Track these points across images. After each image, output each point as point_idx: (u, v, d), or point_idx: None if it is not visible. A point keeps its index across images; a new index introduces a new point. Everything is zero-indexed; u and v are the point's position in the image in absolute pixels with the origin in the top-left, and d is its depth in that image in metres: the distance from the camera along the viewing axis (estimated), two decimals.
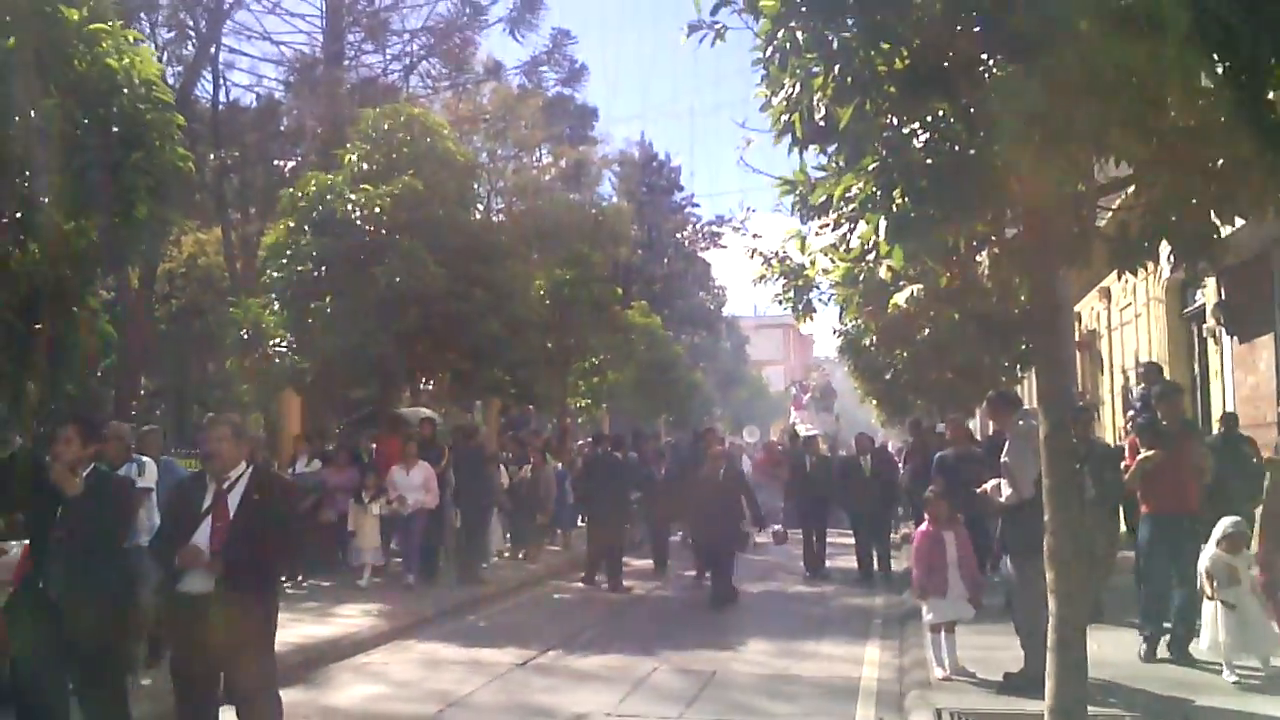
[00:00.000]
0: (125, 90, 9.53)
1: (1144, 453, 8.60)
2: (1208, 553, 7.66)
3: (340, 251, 14.08)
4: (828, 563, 14.97)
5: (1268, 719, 6.59)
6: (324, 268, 14.16)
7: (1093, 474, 9.16)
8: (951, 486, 9.44)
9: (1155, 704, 6.87)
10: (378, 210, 14.09)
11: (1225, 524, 7.68)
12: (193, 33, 21.39)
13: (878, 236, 5.23)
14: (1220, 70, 4.90)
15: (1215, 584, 7.48)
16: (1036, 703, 6.24)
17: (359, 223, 14.20)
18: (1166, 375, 14.21)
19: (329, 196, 14.56)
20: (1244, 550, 7.62)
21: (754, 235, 8.39)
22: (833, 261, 6.83)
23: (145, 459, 8.61)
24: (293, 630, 10.03)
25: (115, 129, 9.41)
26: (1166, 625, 8.29)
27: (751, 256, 8.16)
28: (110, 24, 8.82)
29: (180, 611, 5.38)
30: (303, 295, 14.28)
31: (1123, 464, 9.21)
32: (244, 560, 5.24)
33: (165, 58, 20.05)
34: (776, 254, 7.79)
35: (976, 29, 4.88)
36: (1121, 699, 7.01)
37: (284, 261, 14.81)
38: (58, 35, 8.64)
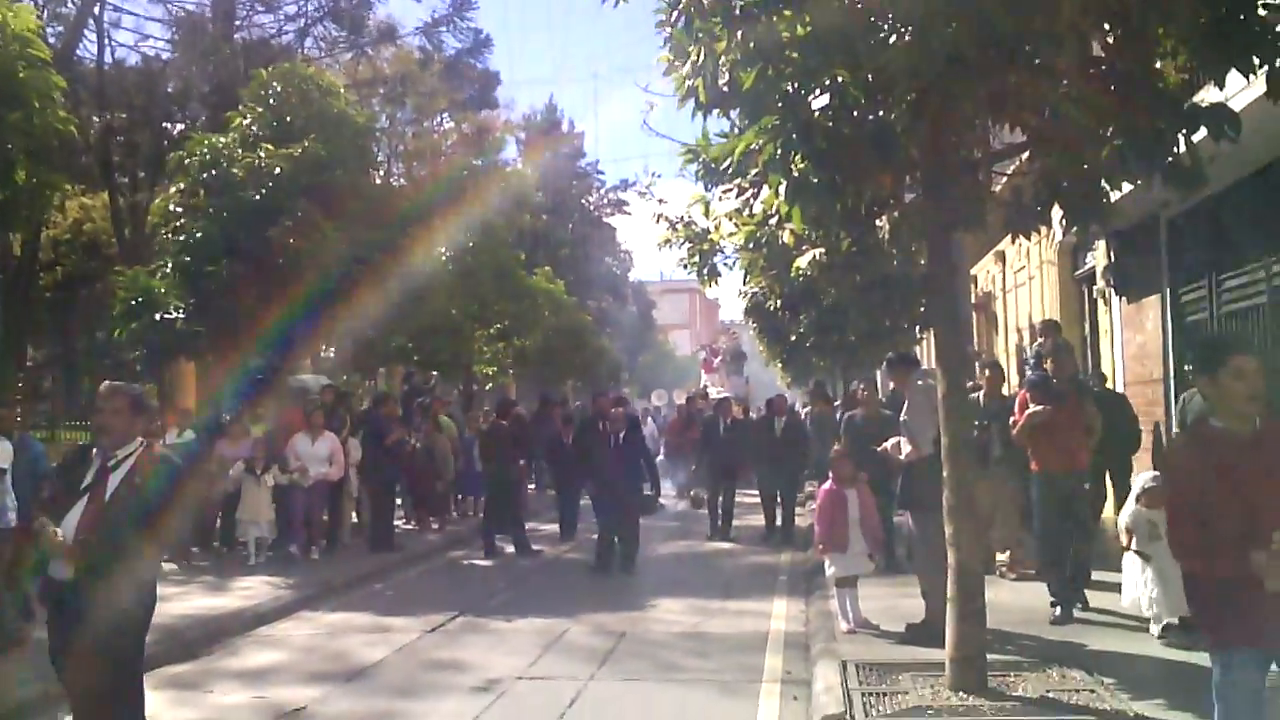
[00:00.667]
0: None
1: (1032, 408, 8.49)
2: (1127, 508, 7.62)
3: (236, 214, 13.68)
4: (735, 521, 15.03)
5: (1158, 659, 6.87)
6: (218, 230, 13.74)
7: (1000, 432, 9.34)
8: (860, 446, 9.56)
9: (1051, 650, 7.14)
10: (277, 172, 13.71)
11: (1144, 478, 7.62)
12: None
13: (779, 199, 5.31)
14: (1110, 40, 5.07)
15: (1135, 539, 7.42)
16: (938, 651, 6.46)
17: (254, 185, 13.79)
18: (1062, 334, 14.72)
19: (221, 160, 14.12)
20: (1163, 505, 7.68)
21: (659, 200, 8.41)
22: (736, 226, 6.90)
23: None
24: (187, 603, 9.85)
25: None
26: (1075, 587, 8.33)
27: (657, 222, 8.18)
28: None
29: (49, 598, 4.91)
30: (198, 259, 13.86)
31: (1012, 419, 9.05)
32: (109, 550, 4.65)
33: (44, 15, 19.14)
34: (681, 219, 7.83)
35: None
36: (1018, 646, 7.27)
37: (177, 225, 14.37)
38: None
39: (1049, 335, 11.71)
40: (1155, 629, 7.34)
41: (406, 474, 15.25)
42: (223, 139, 14.57)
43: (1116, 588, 7.94)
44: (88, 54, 20.94)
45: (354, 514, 14.52)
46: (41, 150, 9.76)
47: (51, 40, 17.93)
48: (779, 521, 14.54)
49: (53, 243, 22.17)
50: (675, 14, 5.31)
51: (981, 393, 10.12)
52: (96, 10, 20.56)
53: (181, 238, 14.21)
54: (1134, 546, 7.44)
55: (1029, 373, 11.91)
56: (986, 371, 10.79)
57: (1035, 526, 8.84)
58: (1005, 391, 10.94)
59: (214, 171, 14.06)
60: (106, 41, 21.26)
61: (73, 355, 25.26)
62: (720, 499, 15.03)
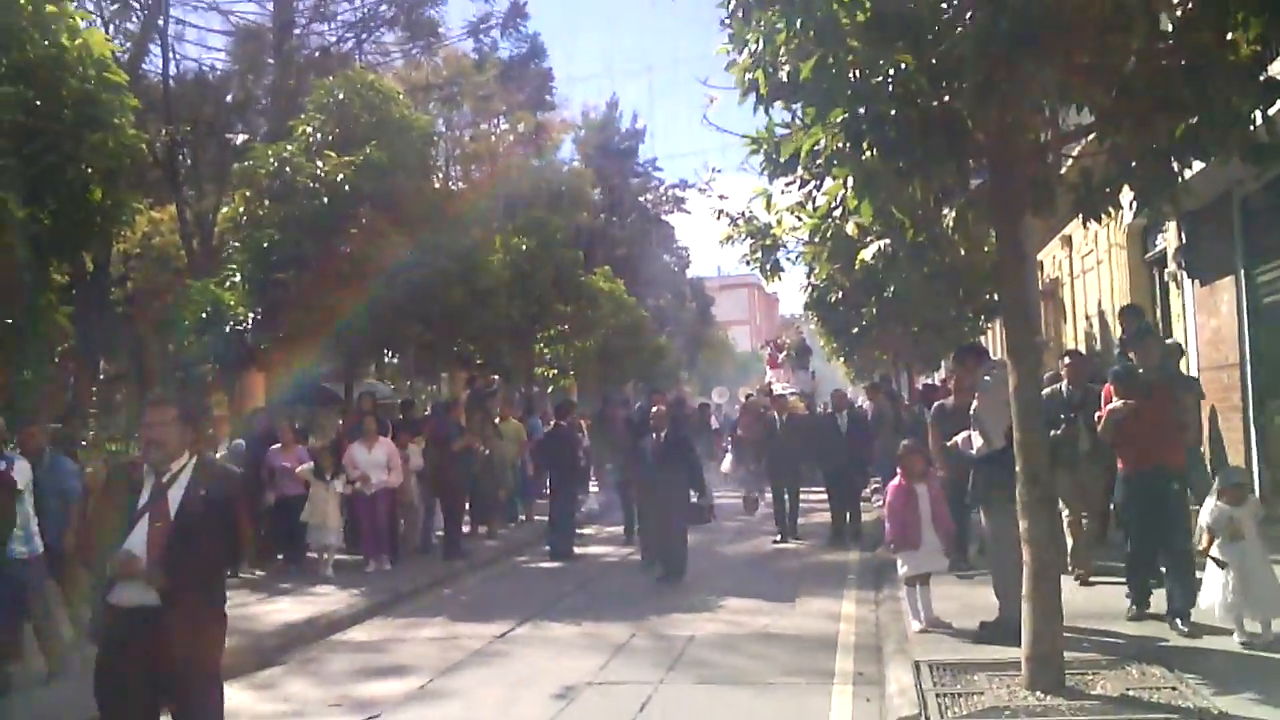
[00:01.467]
0: (78, 72, 9.35)
1: (1115, 403, 7.86)
2: (1207, 507, 7.04)
3: (302, 222, 13.87)
4: (800, 520, 14.67)
5: (1239, 654, 6.63)
6: (285, 239, 13.91)
7: (1087, 424, 8.83)
8: (950, 436, 8.91)
9: (1130, 647, 6.93)
10: (340, 179, 13.86)
11: (1225, 474, 7.25)
12: (138, 5, 20.90)
13: (846, 191, 5.20)
14: (1180, 13, 4.89)
15: (1216, 540, 6.85)
16: (1013, 650, 6.30)
17: (319, 192, 13.95)
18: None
19: (286, 169, 14.30)
20: (1247, 501, 6.96)
21: (720, 196, 8.32)
22: (799, 219, 6.80)
23: (16, 456, 7.91)
24: (262, 611, 9.99)
25: (68, 112, 9.24)
26: (1154, 582, 7.74)
27: (718, 218, 8.10)
28: (60, 4, 8.59)
29: (113, 628, 4.45)
30: (265, 268, 14.08)
31: (1096, 415, 8.44)
32: (189, 569, 4.39)
33: (111, 31, 19.58)
34: (743, 214, 7.74)
35: None
36: (1096, 644, 7.07)
37: (244, 236, 14.60)
38: (9, 20, 8.44)
39: (1131, 321, 10.97)
40: (1239, 638, 6.81)
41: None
42: (288, 148, 14.75)
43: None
44: (152, 67, 21.38)
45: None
46: (116, 169, 9.98)
47: (117, 55, 18.34)
48: (848, 520, 14.18)
49: (123, 256, 22.64)
50: (733, 5, 5.23)
51: (1064, 383, 9.51)
52: (160, 23, 20.97)
53: (248, 248, 14.42)
54: (1213, 551, 6.86)
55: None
56: (1067, 359, 10.05)
57: (1124, 529, 8.17)
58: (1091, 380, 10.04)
59: (279, 180, 14.25)
60: (171, 54, 21.68)
61: (144, 368, 25.77)
62: (786, 499, 14.56)
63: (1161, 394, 7.76)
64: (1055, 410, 8.89)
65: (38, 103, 9.07)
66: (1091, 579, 9.06)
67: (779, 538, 14.22)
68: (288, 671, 8.23)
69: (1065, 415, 9.05)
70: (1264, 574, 6.72)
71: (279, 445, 12.83)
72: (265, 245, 14.09)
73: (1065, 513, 9.29)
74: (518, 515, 16.96)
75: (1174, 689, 5.91)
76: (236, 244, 14.84)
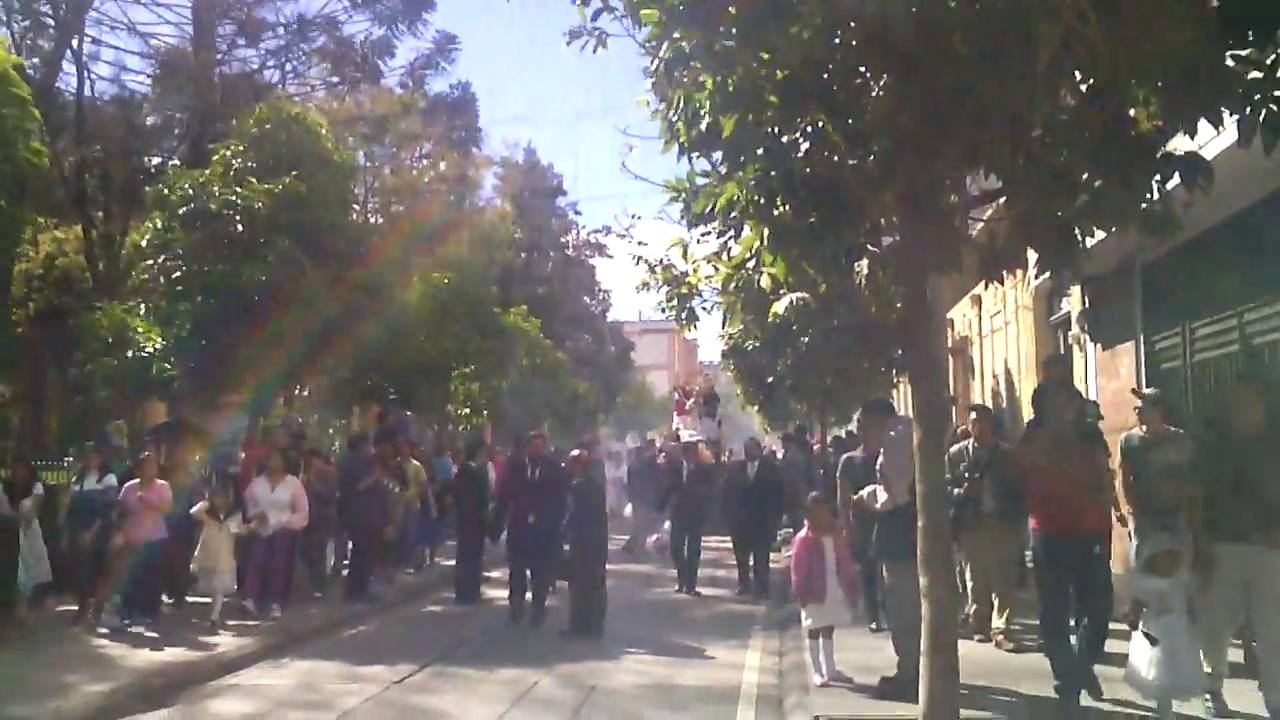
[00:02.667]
0: None
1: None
2: (1136, 579, 6.71)
3: (213, 248, 13.56)
4: (699, 573, 14.17)
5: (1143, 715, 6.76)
6: (195, 265, 13.59)
7: (993, 482, 8.69)
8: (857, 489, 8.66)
9: (1025, 705, 7.02)
10: (257, 207, 13.60)
11: (1152, 542, 6.79)
12: (53, 22, 20.38)
13: (760, 245, 5.26)
14: (1084, 88, 5.06)
15: (1143, 614, 6.50)
16: (911, 706, 6.34)
17: (234, 219, 13.67)
18: (1033, 381, 14.72)
19: (201, 195, 14.00)
20: (1177, 572, 6.49)
21: (639, 243, 8.36)
22: (715, 269, 6.85)
23: None
24: (143, 653, 9.57)
25: None
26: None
27: (636, 264, 8.14)
28: None
29: None
30: (172, 295, 13.74)
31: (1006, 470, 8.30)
32: None
33: (19, 49, 19.06)
34: (660, 261, 7.78)
35: (854, 43, 4.93)
36: (995, 703, 7.15)
37: (152, 262, 14.22)
38: None
39: (1050, 373, 10.45)
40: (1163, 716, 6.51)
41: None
42: (203, 174, 14.45)
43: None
44: (66, 86, 20.81)
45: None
46: (13, 184, 9.68)
47: (30, 73, 17.85)
48: (754, 576, 13.77)
49: (25, 276, 21.90)
50: (655, 61, 5.27)
51: (970, 440, 9.29)
52: (75, 43, 20.47)
53: (157, 274, 14.05)
54: (1141, 625, 6.48)
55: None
56: (973, 415, 9.73)
57: (1038, 595, 7.59)
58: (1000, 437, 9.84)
59: (192, 205, 13.91)
60: (85, 75, 21.15)
61: (41, 391, 24.90)
62: (685, 548, 14.11)
63: (1079, 452, 7.32)
64: (960, 468, 8.94)
65: None
66: (1000, 643, 8.86)
67: (679, 587, 13.97)
68: (174, 716, 7.92)
69: (970, 474, 8.92)
70: (1189, 651, 6.39)
71: (135, 480, 10.94)
72: (175, 274, 13.74)
73: (968, 574, 9.33)
74: (422, 558, 16.52)
75: None
76: (146, 266, 14.42)
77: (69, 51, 20.33)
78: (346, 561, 14.39)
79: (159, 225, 14.31)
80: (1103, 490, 7.54)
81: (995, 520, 8.84)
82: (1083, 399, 8.36)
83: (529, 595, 11.62)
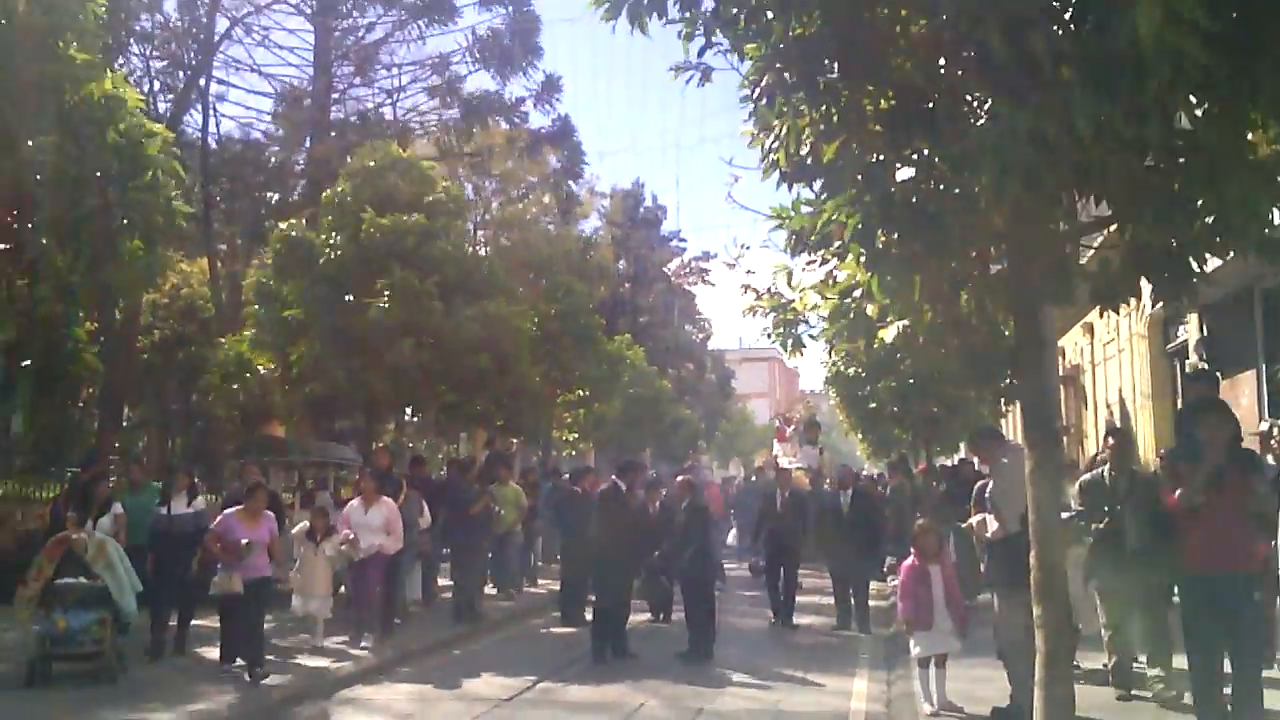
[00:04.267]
0: (117, 124, 9.64)
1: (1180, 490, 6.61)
2: None
3: (322, 294, 14.17)
4: (796, 616, 13.41)
5: None
6: (302, 313, 14.24)
7: (1136, 514, 7.66)
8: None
9: None
10: (373, 233, 14.19)
11: None
12: (183, 64, 21.50)
13: (863, 270, 5.32)
14: (1199, 113, 5.01)
15: None
16: None
17: (342, 260, 14.31)
18: (1149, 412, 14.34)
19: (307, 242, 14.78)
20: None
21: (747, 271, 8.39)
22: (822, 297, 6.90)
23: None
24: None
25: (113, 161, 9.53)
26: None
27: (744, 292, 8.17)
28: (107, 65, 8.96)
29: None
30: (284, 340, 14.37)
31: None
32: None
33: (156, 87, 20.14)
34: (768, 289, 7.80)
35: (960, 71, 4.98)
36: None
37: (259, 307, 14.99)
38: (55, 69, 8.75)
39: (1197, 389, 9.20)
40: None
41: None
42: (305, 231, 15.24)
43: None
44: (192, 124, 21.90)
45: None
46: (156, 224, 10.23)
47: (161, 110, 18.87)
48: (854, 618, 12.95)
49: (151, 306, 23.00)
50: (758, 91, 5.39)
51: (1106, 467, 8.21)
52: (203, 83, 21.54)
53: (268, 319, 14.78)
54: None
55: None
56: (1110, 440, 8.59)
57: (1185, 644, 6.79)
58: (1138, 465, 8.72)
59: (301, 252, 14.64)
60: (211, 113, 22.22)
61: (167, 416, 26.04)
62: (780, 580, 13.46)
63: (1234, 480, 6.41)
64: (1098, 500, 8.01)
65: (80, 149, 9.36)
66: (1162, 697, 7.79)
67: (773, 620, 13.39)
68: None
69: (1109, 506, 7.91)
70: None
71: (235, 508, 10.13)
72: (284, 315, 14.40)
73: (1103, 620, 8.31)
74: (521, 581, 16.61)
75: None
76: (253, 311, 15.20)
77: (196, 92, 21.39)
78: (447, 584, 14.69)
79: (263, 279, 15.07)
80: (1264, 525, 6.64)
81: (1140, 558, 7.60)
82: (1237, 421, 7.07)
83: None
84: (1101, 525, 7.90)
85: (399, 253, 14.26)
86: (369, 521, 11.41)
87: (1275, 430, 8.97)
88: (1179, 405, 11.04)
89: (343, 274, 14.26)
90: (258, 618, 9.73)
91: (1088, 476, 8.40)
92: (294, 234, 15.02)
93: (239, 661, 9.49)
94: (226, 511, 10.02)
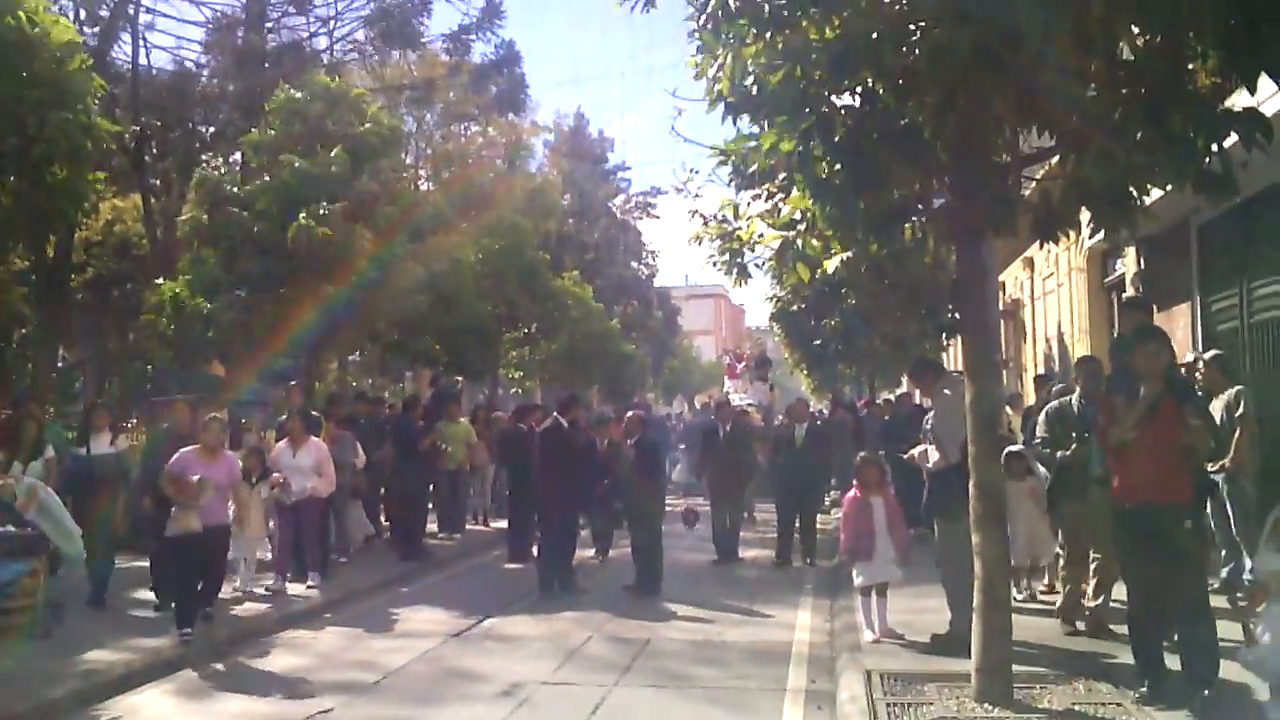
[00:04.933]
0: (42, 55, 9.30)
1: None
2: (1263, 555, 5.78)
3: (252, 236, 13.92)
4: (741, 549, 13.43)
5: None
6: (222, 265, 14.00)
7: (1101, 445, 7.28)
8: None
9: (1078, 662, 7.04)
10: (293, 180, 13.91)
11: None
12: None
13: (809, 200, 5.30)
14: (1140, 43, 5.00)
15: (1265, 601, 5.56)
16: (963, 662, 6.40)
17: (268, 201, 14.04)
18: (1086, 345, 14.56)
19: (227, 186, 14.50)
20: None
21: (694, 195, 8.30)
22: (767, 227, 6.88)
23: None
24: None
25: (33, 92, 9.19)
26: (1166, 645, 6.38)
27: (691, 218, 8.09)
28: None
29: None
30: (209, 290, 14.10)
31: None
32: None
33: (80, 16, 19.39)
34: (715, 215, 7.74)
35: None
36: (1047, 658, 7.17)
37: (195, 250, 14.73)
38: None
39: (1134, 318, 8.93)
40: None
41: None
42: (223, 166, 14.95)
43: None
44: (121, 56, 21.16)
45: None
46: (81, 150, 9.91)
47: (87, 41, 18.17)
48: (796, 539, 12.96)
49: (85, 244, 22.38)
50: (704, 18, 5.30)
51: (1074, 395, 8.10)
52: (131, 12, 20.77)
53: (200, 266, 14.54)
54: (1256, 609, 5.55)
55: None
56: (1077, 367, 8.63)
57: (1123, 577, 6.86)
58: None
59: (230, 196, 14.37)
60: (141, 43, 21.47)
61: (104, 356, 25.50)
62: (725, 516, 13.32)
63: (1168, 410, 6.22)
64: (1064, 428, 7.93)
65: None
66: (1095, 627, 7.85)
67: (716, 558, 13.11)
68: (234, 666, 8.20)
69: (1077, 434, 7.76)
70: None
71: (191, 449, 9.18)
72: (207, 267, 14.16)
73: (1061, 551, 8.35)
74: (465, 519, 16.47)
75: (1119, 704, 6.04)
76: (189, 255, 14.93)
77: (124, 21, 20.63)
78: (387, 523, 14.69)
79: (195, 214, 14.77)
80: (1196, 455, 6.39)
81: (1104, 488, 7.21)
82: (1173, 349, 6.86)
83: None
84: (1068, 453, 7.84)
85: (326, 195, 13.91)
86: (299, 464, 10.95)
87: (1199, 362, 9.20)
88: (1115, 335, 11.03)
89: (266, 218, 13.92)
90: (217, 569, 9.18)
91: (1055, 404, 8.31)
92: (210, 180, 14.78)
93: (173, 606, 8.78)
94: (183, 450, 9.09)
